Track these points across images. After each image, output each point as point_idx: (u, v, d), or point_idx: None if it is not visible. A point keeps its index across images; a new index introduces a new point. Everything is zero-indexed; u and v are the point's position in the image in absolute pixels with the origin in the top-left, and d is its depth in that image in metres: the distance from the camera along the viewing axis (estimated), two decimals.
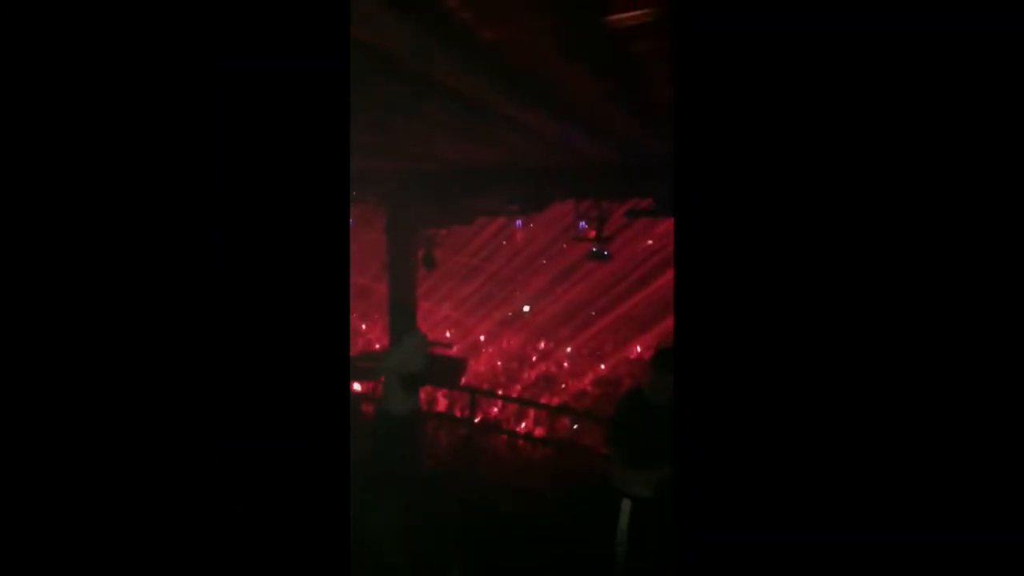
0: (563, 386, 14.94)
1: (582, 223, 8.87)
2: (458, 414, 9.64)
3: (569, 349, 17.49)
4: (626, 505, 2.74)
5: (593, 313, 18.82)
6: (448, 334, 18.46)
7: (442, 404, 11.15)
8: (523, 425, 11.31)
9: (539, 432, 10.95)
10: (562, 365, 16.53)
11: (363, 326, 18.26)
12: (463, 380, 9.28)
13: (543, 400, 13.52)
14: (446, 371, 8.85)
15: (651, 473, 2.76)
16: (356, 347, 16.18)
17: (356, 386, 11.09)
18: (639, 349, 16.48)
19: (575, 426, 10.75)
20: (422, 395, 6.88)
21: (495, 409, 11.77)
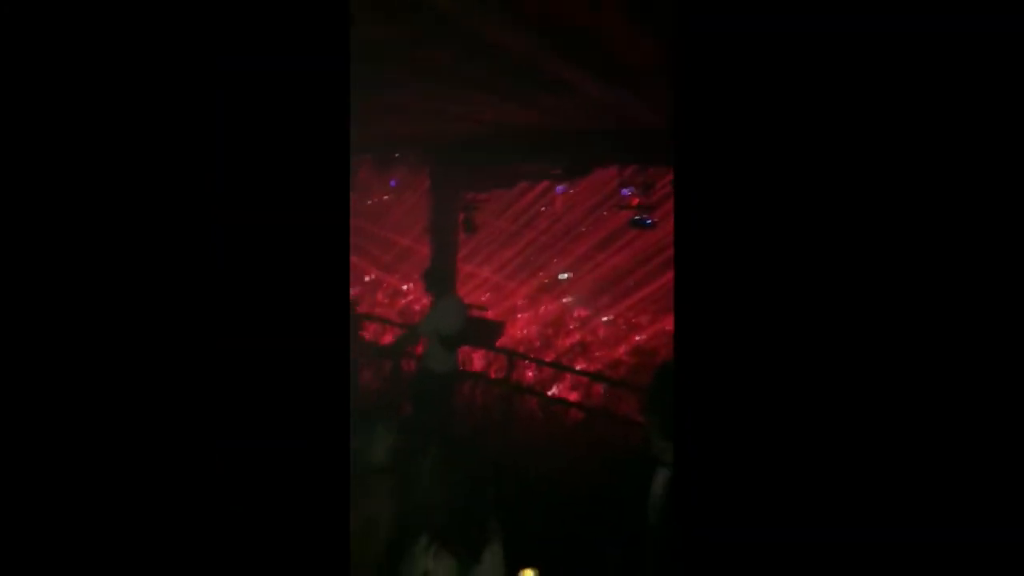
0: (598, 354, 14.94)
1: (625, 190, 8.76)
2: (493, 375, 9.70)
3: (606, 318, 17.45)
4: (661, 474, 2.72)
5: (633, 283, 18.68)
6: (485, 298, 18.54)
7: (478, 365, 11.23)
8: (556, 390, 11.33)
9: (573, 397, 10.99)
10: (598, 333, 16.51)
11: (404, 287, 18.40)
12: (499, 343, 9.33)
13: (579, 366, 13.54)
14: (483, 333, 8.92)
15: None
16: (397, 307, 16.33)
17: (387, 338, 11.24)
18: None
19: (609, 394, 10.74)
20: (459, 355, 7.03)
21: (530, 373, 11.81)
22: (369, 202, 18.41)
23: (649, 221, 8.45)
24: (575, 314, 17.76)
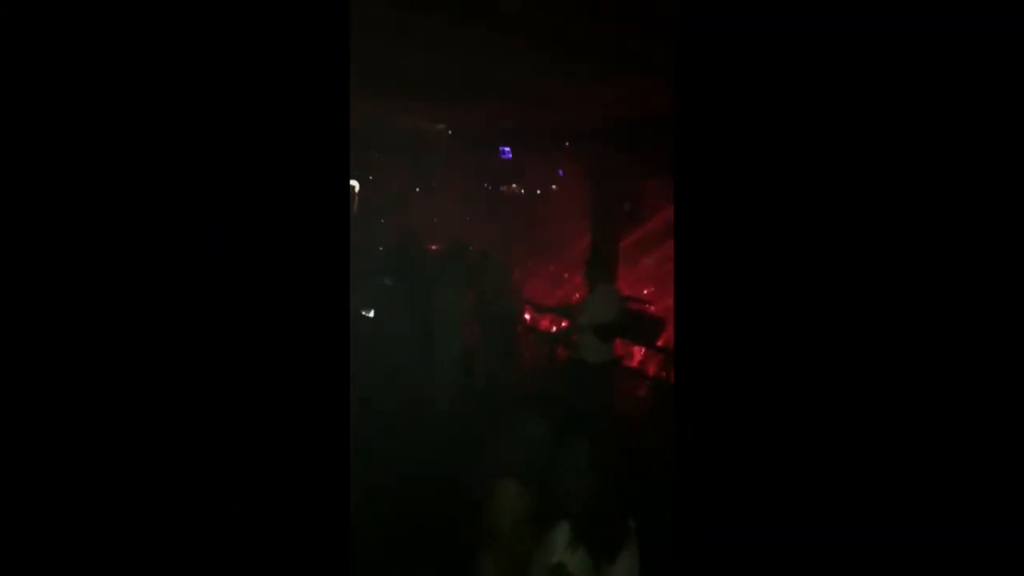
0: None
1: None
2: (651, 373, 9.50)
3: None
4: None
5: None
6: (647, 291, 18.17)
7: (636, 360, 11.04)
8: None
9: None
10: None
11: (564, 275, 18.40)
12: (661, 340, 9.10)
13: None
14: (642, 328, 8.73)
15: None
16: (555, 297, 16.38)
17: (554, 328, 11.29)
18: None
19: None
20: (617, 348, 6.96)
21: None
22: (538, 191, 18.56)
23: None
24: None
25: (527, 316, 9.93)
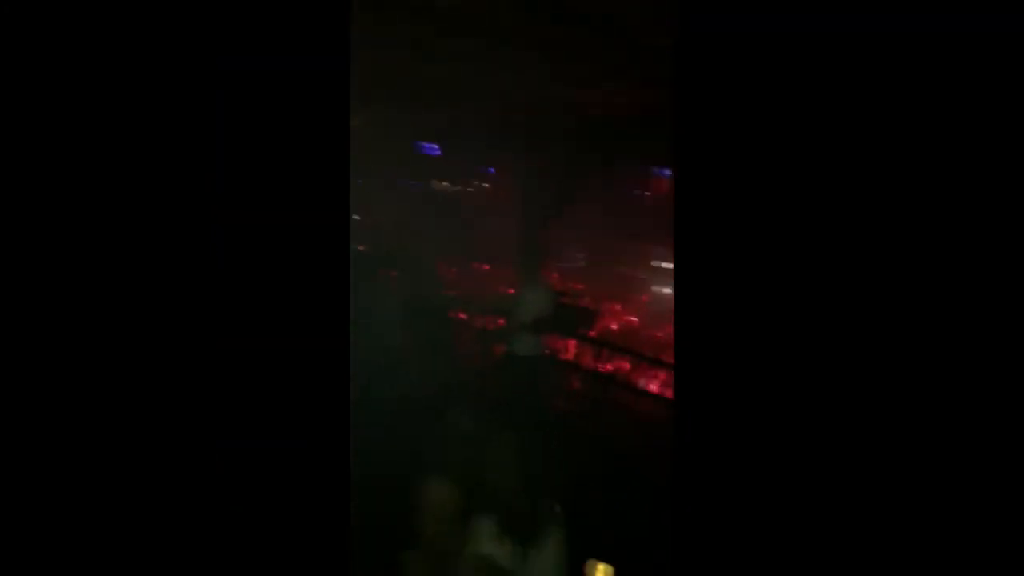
0: None
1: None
2: (585, 364, 9.63)
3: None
4: None
5: None
6: (580, 285, 18.39)
7: (570, 353, 11.17)
8: (647, 385, 11.14)
9: (669, 394, 10.78)
10: None
11: (496, 271, 18.45)
12: (593, 332, 9.20)
13: (670, 359, 13.27)
14: (574, 320, 8.83)
15: None
16: (488, 290, 16.42)
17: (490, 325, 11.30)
18: None
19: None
20: (550, 342, 7.02)
21: (627, 364, 11.65)
22: (470, 189, 18.58)
23: None
24: (672, 304, 17.43)
25: (462, 314, 9.95)
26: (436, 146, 13.07)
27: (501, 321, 8.67)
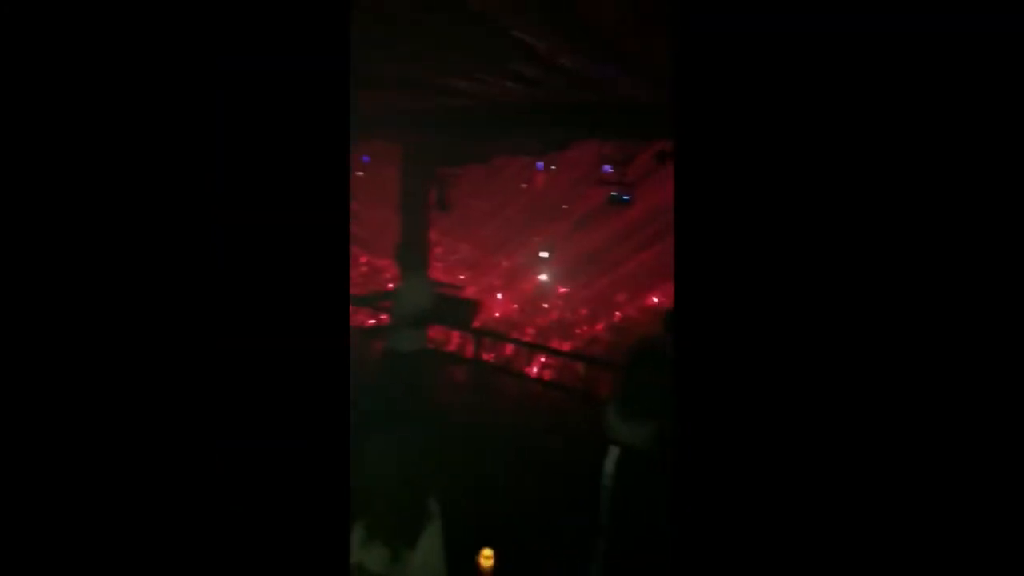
0: (577, 332, 15.03)
1: (606, 166, 8.75)
2: (469, 355, 9.72)
3: (586, 295, 17.52)
4: (612, 453, 2.73)
5: (613, 260, 18.74)
6: (463, 276, 18.50)
7: (454, 345, 11.25)
8: (532, 370, 11.38)
9: (547, 375, 11.05)
10: (578, 311, 16.59)
11: (369, 261, 18.26)
12: (476, 322, 9.27)
13: (556, 344, 13.60)
14: (456, 312, 8.86)
15: (640, 425, 2.73)
16: (374, 284, 16.23)
17: (370, 321, 11.16)
18: (656, 299, 16.50)
19: (588, 373, 10.82)
20: (432, 334, 6.97)
21: (508, 352, 11.85)
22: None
23: (626, 197, 8.43)
24: (555, 292, 17.83)
25: None
26: None
27: (384, 317, 8.61)
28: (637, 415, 2.74)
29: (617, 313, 16.36)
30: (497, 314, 16.01)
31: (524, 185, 20.97)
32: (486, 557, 3.55)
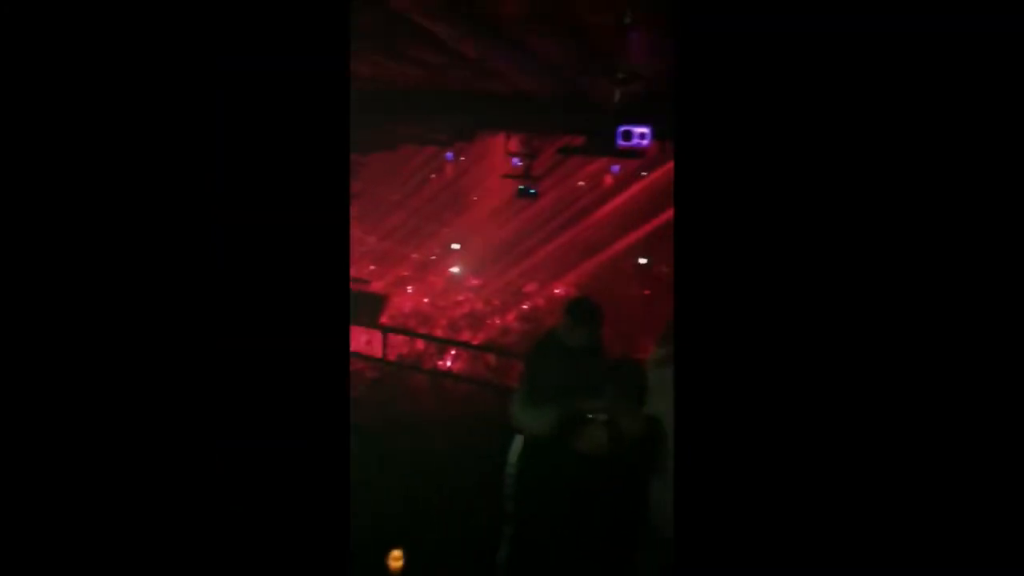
0: (489, 323, 15.08)
1: (515, 159, 8.81)
2: (378, 353, 9.57)
3: (497, 286, 17.60)
4: (516, 441, 2.79)
5: (522, 252, 18.91)
6: (371, 269, 18.28)
7: (359, 342, 11.14)
8: (444, 363, 11.37)
9: (456, 368, 11.05)
10: (490, 302, 16.64)
11: None
12: (384, 318, 9.14)
13: (467, 336, 13.63)
14: (364, 308, 8.72)
15: (543, 413, 2.75)
16: None
17: None
18: (558, 290, 16.75)
19: (499, 364, 10.89)
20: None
21: (420, 346, 11.80)
22: None
23: (533, 191, 8.52)
24: (467, 284, 17.83)
25: None
26: None
27: None
28: (538, 403, 2.78)
29: (527, 304, 16.52)
30: (407, 308, 15.91)
31: (433, 176, 20.86)
32: (395, 558, 3.55)
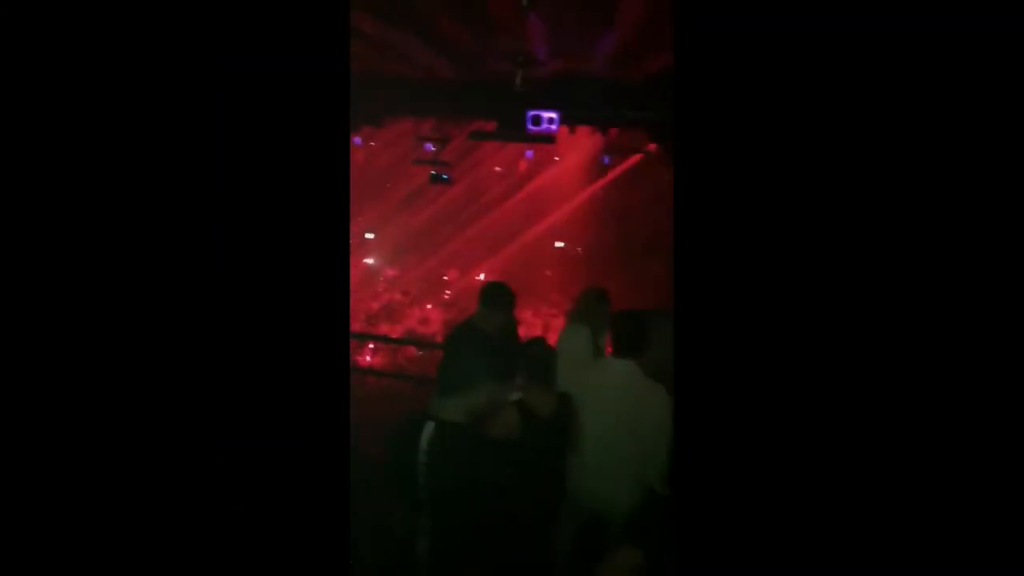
0: (409, 313, 14.98)
1: (428, 144, 8.78)
2: None
3: (415, 276, 17.47)
4: (428, 428, 2.83)
5: (440, 239, 18.80)
6: None
7: None
8: (367, 358, 11.25)
9: (377, 363, 10.93)
10: (407, 293, 16.51)
11: None
12: None
13: (385, 329, 13.49)
14: None
15: (460, 399, 2.75)
16: None
17: None
18: (481, 276, 16.79)
19: (420, 355, 10.84)
20: None
21: None
22: None
23: (446, 176, 8.53)
24: (382, 274, 17.64)
25: None
26: None
27: None
28: (454, 390, 2.80)
29: (447, 292, 16.46)
30: None
31: None
32: None
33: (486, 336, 3.52)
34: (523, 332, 6.19)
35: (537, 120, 5.47)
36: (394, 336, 12.32)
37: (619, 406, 2.98)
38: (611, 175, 12.14)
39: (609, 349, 3.56)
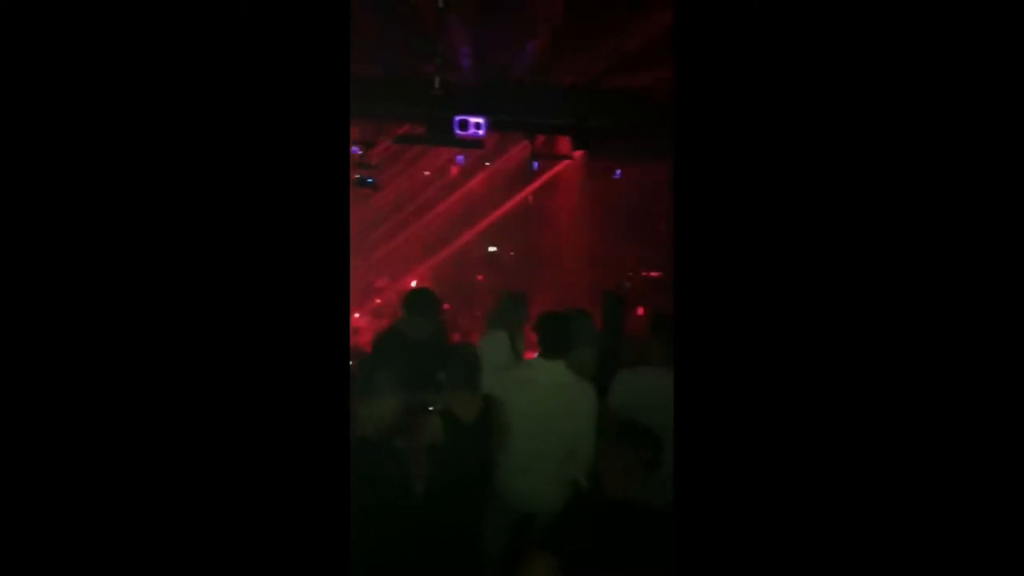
0: None
1: (354, 147, 8.72)
2: None
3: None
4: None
5: (370, 246, 18.63)
6: None
7: None
8: None
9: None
10: None
11: None
12: None
13: None
14: None
15: (380, 408, 2.77)
16: None
17: None
18: (414, 283, 16.66)
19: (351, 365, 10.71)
20: None
21: None
22: None
23: (371, 180, 8.49)
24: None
25: None
26: None
27: None
28: (376, 398, 2.82)
29: (377, 299, 16.33)
30: None
31: None
32: None
33: (412, 343, 3.53)
34: (458, 337, 6.19)
35: (464, 125, 5.52)
36: None
37: (548, 405, 3.01)
38: (538, 181, 12.24)
39: (529, 352, 3.61)
